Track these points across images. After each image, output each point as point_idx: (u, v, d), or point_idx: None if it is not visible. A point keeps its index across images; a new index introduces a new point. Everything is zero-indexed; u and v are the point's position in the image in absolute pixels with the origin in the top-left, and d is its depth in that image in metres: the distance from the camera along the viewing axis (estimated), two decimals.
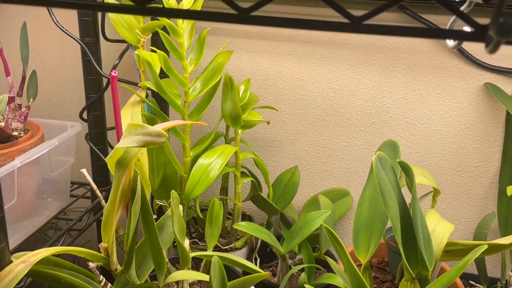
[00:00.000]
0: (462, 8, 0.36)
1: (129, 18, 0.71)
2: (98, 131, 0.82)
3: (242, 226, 0.70)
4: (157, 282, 0.54)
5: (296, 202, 0.92)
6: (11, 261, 0.47)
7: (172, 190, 0.56)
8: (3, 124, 0.68)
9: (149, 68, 0.63)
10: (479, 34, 0.25)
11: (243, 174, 0.77)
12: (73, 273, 0.49)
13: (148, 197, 0.65)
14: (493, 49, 0.24)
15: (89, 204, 0.89)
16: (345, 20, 0.26)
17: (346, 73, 0.81)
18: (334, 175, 0.89)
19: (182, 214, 0.61)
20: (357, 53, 0.80)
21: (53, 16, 0.74)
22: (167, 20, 0.63)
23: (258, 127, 0.88)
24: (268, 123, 0.86)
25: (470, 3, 0.36)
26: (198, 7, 0.64)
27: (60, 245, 0.74)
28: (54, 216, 0.78)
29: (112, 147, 0.86)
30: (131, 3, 0.27)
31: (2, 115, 0.73)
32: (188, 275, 0.53)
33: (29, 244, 1.01)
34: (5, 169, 0.61)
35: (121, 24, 0.71)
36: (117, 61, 0.75)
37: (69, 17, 0.81)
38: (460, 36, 0.26)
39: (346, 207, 0.88)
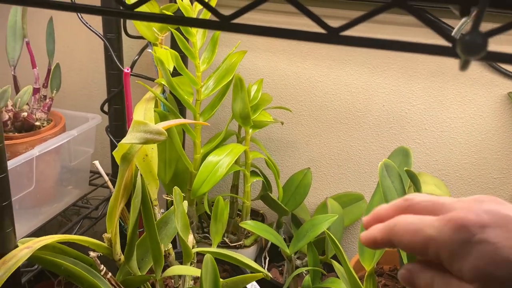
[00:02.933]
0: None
1: None
2: (118, 123, 0.85)
3: (248, 225, 0.71)
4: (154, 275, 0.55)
5: (309, 204, 0.91)
6: (17, 246, 0.50)
7: (175, 187, 0.57)
8: (26, 114, 0.72)
9: (161, 65, 0.65)
10: (453, 50, 0.24)
11: (253, 174, 0.77)
12: (74, 260, 0.52)
13: (156, 191, 0.67)
14: (462, 67, 0.23)
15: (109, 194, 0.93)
16: (322, 31, 0.26)
17: (364, 76, 0.80)
18: (349, 178, 0.88)
19: (186, 210, 0.62)
20: (376, 57, 0.78)
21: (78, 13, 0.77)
22: None
23: (273, 127, 0.88)
24: (282, 123, 0.86)
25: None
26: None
27: (76, 231, 0.78)
28: (73, 203, 0.81)
29: None
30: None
31: (28, 104, 0.77)
32: (183, 270, 0.54)
33: (53, 227, 1.06)
34: (24, 157, 0.65)
35: (140, 22, 0.73)
36: (137, 57, 0.77)
37: None
38: (435, 51, 0.25)
39: (360, 211, 0.86)
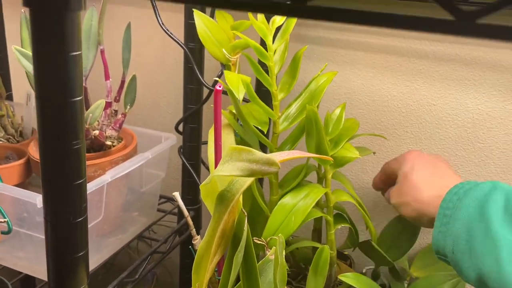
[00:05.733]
0: None
1: (219, 34, 0.62)
2: (193, 145, 0.75)
3: (349, 278, 0.58)
4: None
5: None
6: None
7: (279, 235, 0.46)
8: (97, 132, 0.63)
9: (230, 94, 0.54)
10: None
11: (339, 218, 0.64)
12: None
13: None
14: None
15: (174, 219, 0.83)
16: (448, 17, 0.18)
17: (492, 100, 0.66)
18: None
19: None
20: (511, 78, 0.64)
21: (159, 18, 0.68)
22: (253, 41, 0.53)
23: (368, 157, 0.75)
24: (374, 153, 0.73)
25: None
26: (290, 27, 0.55)
27: (144, 267, 0.67)
28: (139, 234, 0.72)
29: (204, 164, 0.78)
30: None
31: (98, 121, 0.68)
32: None
33: (119, 258, 0.97)
34: (95, 184, 0.56)
35: (210, 40, 0.61)
36: (221, 72, 0.67)
37: (174, 20, 0.74)
38: None
39: None
